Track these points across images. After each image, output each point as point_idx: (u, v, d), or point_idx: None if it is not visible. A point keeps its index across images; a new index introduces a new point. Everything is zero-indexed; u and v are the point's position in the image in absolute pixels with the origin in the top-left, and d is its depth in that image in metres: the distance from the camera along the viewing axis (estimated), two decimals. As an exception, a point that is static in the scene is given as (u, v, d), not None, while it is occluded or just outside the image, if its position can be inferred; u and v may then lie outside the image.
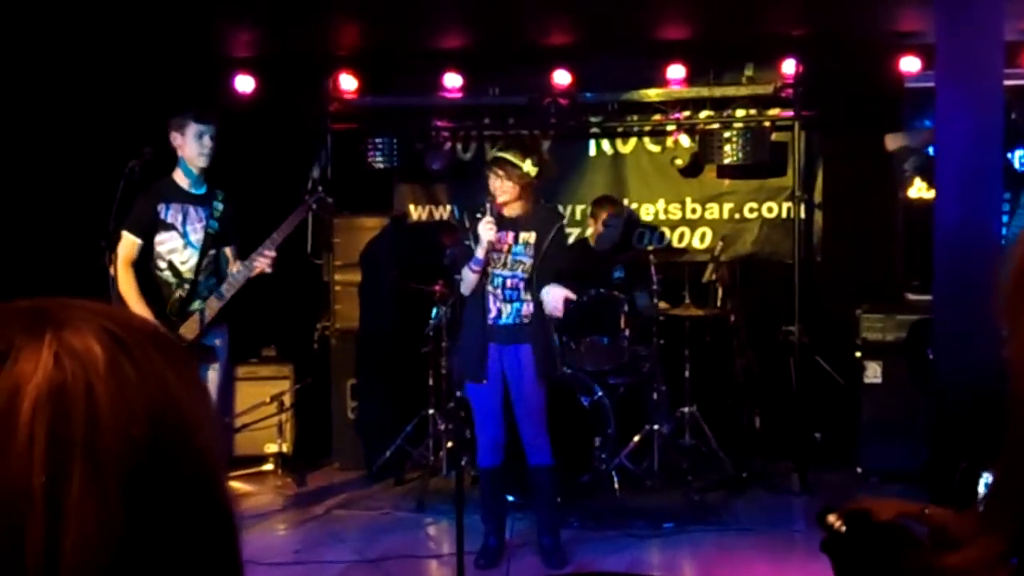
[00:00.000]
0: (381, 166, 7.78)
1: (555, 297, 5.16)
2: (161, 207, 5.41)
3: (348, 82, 7.78)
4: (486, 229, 5.10)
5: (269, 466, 7.35)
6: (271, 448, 7.34)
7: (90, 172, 6.27)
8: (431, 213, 8.19)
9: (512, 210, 5.29)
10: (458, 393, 5.43)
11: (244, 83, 7.75)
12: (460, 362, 5.49)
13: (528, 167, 5.23)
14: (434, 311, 6.94)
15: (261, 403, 7.24)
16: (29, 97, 6.72)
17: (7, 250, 6.37)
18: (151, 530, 0.75)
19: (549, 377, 5.37)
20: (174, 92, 6.77)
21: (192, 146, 5.40)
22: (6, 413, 0.73)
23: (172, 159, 5.48)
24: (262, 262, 5.35)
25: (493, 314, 5.29)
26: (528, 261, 5.28)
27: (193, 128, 5.39)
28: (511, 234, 5.28)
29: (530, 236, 5.30)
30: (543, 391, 5.35)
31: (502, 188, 5.22)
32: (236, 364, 7.35)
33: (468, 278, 5.25)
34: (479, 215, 5.24)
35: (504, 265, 5.28)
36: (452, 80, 7.72)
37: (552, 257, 5.30)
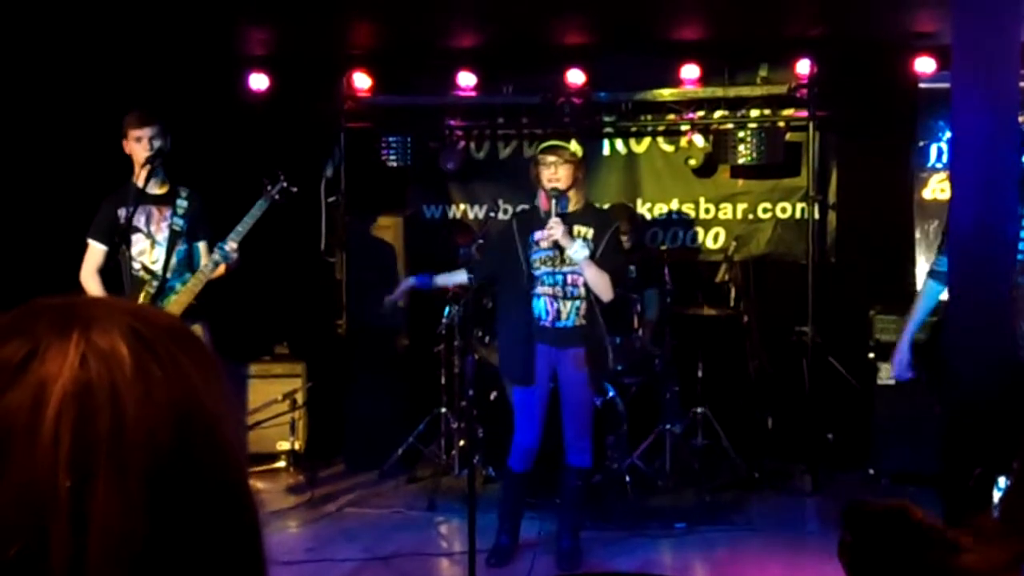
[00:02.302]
0: (395, 165, 7.77)
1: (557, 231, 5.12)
2: (122, 212, 5.39)
3: (362, 81, 7.78)
4: (558, 228, 5.06)
5: (281, 463, 7.37)
6: (283, 445, 7.36)
7: (103, 170, 6.28)
8: (444, 212, 8.19)
9: (567, 205, 5.23)
10: (470, 392, 5.39)
11: (258, 81, 7.77)
12: (505, 363, 5.46)
13: (575, 147, 5.23)
14: (446, 310, 6.94)
15: (273, 400, 7.26)
16: (42, 94, 6.74)
17: (21, 247, 6.40)
18: (176, 530, 0.75)
19: (604, 375, 5.32)
20: (189, 90, 6.80)
21: (134, 149, 5.39)
22: (32, 412, 0.73)
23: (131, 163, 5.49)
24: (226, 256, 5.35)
25: (552, 315, 5.22)
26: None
27: (131, 133, 5.38)
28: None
29: (587, 231, 5.21)
30: (592, 396, 5.33)
31: (556, 175, 5.15)
32: (249, 361, 7.38)
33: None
34: (492, 213, 5.23)
35: (563, 262, 5.19)
36: (466, 79, 7.72)
37: (607, 257, 5.20)
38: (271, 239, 5.69)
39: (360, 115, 7.88)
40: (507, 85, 7.81)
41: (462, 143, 7.94)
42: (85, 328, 0.77)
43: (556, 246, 5.16)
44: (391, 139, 7.71)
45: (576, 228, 5.21)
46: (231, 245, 5.31)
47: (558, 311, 5.21)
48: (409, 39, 7.57)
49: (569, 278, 5.20)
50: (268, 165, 5.54)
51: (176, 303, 5.34)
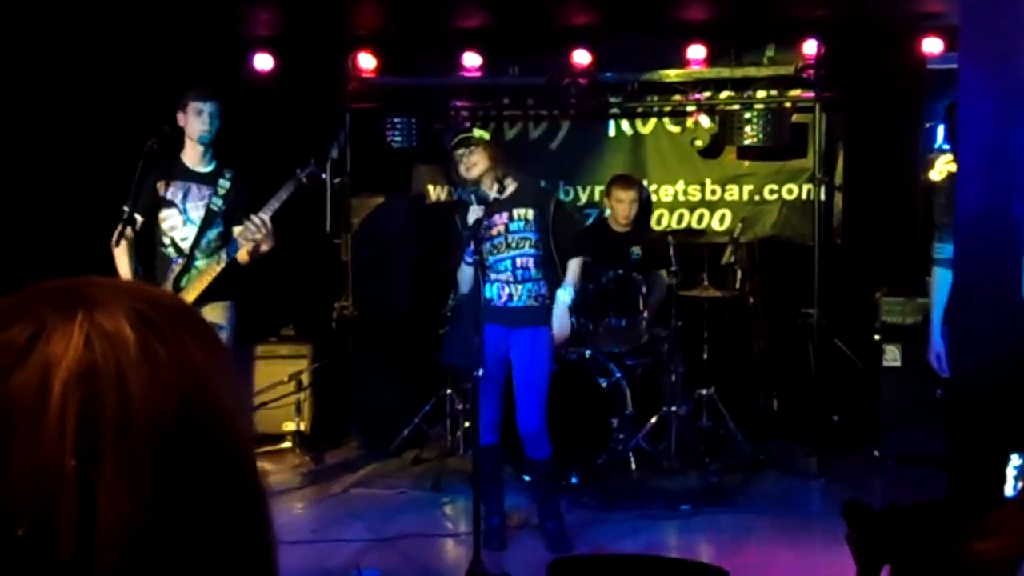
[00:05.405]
0: (399, 146, 7.76)
1: (562, 324, 5.22)
2: (162, 184, 5.50)
3: (367, 61, 7.76)
4: (473, 214, 5.12)
5: (287, 444, 7.38)
6: (289, 426, 7.37)
7: (110, 151, 6.29)
8: (449, 193, 8.18)
9: (497, 189, 5.23)
10: (475, 373, 5.38)
11: (263, 61, 7.75)
12: (459, 350, 5.45)
13: (479, 133, 5.34)
14: (452, 292, 6.94)
15: (279, 382, 7.26)
16: (48, 76, 6.73)
17: (27, 230, 6.40)
18: (182, 511, 0.75)
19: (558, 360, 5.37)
20: (194, 70, 6.77)
21: (191, 123, 5.50)
22: (37, 394, 0.73)
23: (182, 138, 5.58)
24: (254, 233, 5.33)
25: (504, 298, 5.25)
26: (533, 237, 5.24)
27: (192, 105, 5.50)
28: (504, 214, 5.22)
29: (527, 212, 5.24)
30: (548, 378, 5.31)
31: (471, 162, 5.22)
32: (255, 343, 7.39)
33: (466, 274, 5.25)
34: (497, 195, 5.23)
35: (508, 247, 5.23)
36: (471, 60, 7.69)
37: (564, 234, 5.29)
38: (276, 221, 5.67)
39: (365, 96, 7.85)
40: (513, 66, 7.78)
41: (467, 124, 7.91)
42: (89, 309, 0.76)
43: (501, 232, 5.21)
44: (396, 120, 7.70)
45: (516, 211, 5.24)
46: (259, 219, 5.32)
47: (510, 294, 5.26)
48: (414, 19, 7.54)
49: (519, 261, 5.24)
50: (272, 145, 5.54)
51: (192, 289, 5.37)
